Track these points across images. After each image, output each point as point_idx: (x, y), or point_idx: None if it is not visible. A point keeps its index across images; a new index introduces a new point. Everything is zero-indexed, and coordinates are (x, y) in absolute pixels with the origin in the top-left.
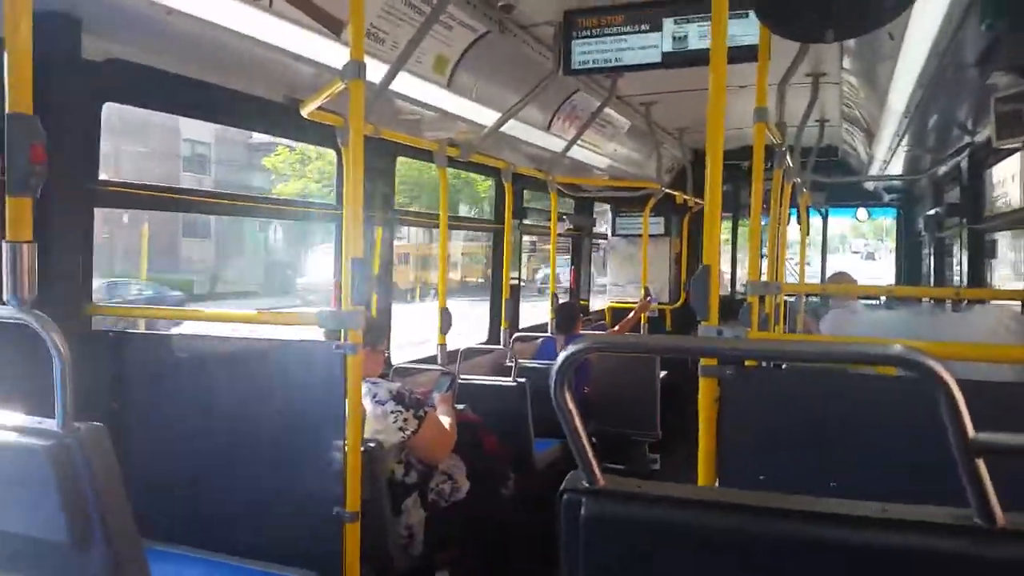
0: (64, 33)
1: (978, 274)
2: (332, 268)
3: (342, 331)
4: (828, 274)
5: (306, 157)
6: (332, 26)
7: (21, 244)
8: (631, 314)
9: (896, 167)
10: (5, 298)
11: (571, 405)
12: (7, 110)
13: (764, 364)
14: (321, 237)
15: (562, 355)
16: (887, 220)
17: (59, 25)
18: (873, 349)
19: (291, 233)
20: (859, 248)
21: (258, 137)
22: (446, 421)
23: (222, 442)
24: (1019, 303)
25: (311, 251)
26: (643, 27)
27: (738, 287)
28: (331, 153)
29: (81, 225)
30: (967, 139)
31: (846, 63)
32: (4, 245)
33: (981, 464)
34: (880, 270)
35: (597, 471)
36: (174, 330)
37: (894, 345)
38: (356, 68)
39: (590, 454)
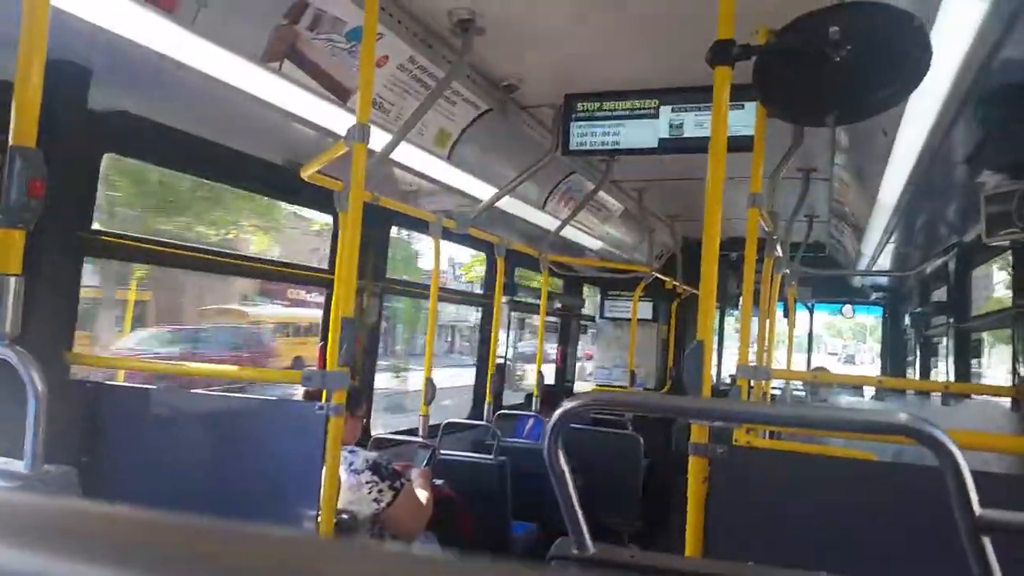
0: (73, 82)
1: (965, 371)
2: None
3: (324, 393)
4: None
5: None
6: (339, 93)
7: (9, 277)
8: None
9: (883, 264)
10: None
11: (564, 465)
12: (11, 142)
13: (753, 445)
14: None
15: (558, 410)
16: (869, 319)
17: (69, 73)
18: (879, 417)
19: None
20: (836, 349)
21: None
22: (423, 495)
23: (194, 501)
24: (1008, 399)
25: None
26: (641, 113)
27: (724, 377)
28: None
29: (69, 272)
30: (955, 238)
31: (838, 159)
32: None
33: (987, 543)
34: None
35: (588, 538)
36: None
37: (900, 414)
38: (361, 132)
39: (581, 519)
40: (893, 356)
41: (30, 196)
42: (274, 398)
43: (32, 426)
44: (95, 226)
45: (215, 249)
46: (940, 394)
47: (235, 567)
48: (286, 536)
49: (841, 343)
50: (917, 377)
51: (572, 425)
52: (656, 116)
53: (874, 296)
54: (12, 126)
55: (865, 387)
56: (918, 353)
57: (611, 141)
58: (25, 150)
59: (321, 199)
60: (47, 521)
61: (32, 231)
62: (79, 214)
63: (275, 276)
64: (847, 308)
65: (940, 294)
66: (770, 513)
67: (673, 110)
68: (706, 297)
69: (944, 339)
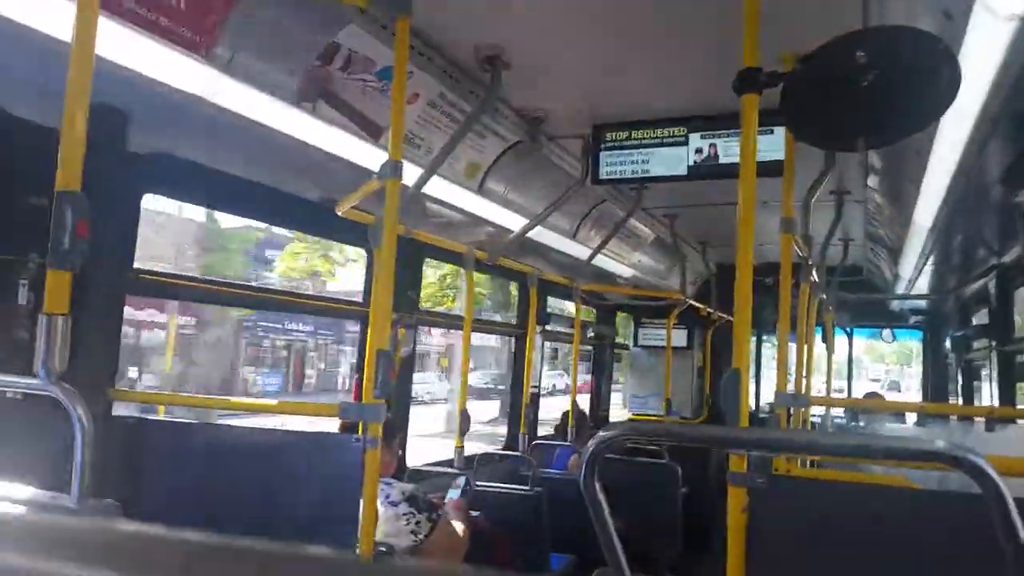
0: (112, 125)
1: (1010, 395)
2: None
3: (361, 425)
4: (854, 396)
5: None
6: (371, 130)
7: (57, 317)
8: None
9: (922, 287)
10: (35, 369)
11: (600, 496)
12: (57, 187)
13: (794, 475)
14: None
15: (594, 440)
16: (914, 343)
17: (107, 117)
18: (919, 445)
19: None
20: (878, 375)
21: None
22: (459, 527)
23: (233, 535)
24: None
25: None
26: (669, 141)
27: (762, 404)
28: None
29: (113, 310)
30: (995, 259)
31: (871, 181)
32: (41, 317)
33: None
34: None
35: (626, 569)
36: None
37: (938, 441)
38: (394, 168)
39: (619, 550)
40: (935, 381)
41: (77, 238)
42: (312, 431)
43: (78, 461)
44: (136, 265)
45: (253, 285)
46: (984, 419)
47: None
48: (326, 556)
49: (884, 368)
50: (960, 402)
51: (608, 455)
52: (685, 143)
53: (913, 319)
54: (59, 171)
55: (908, 413)
56: (960, 377)
57: (640, 169)
58: (71, 194)
59: (356, 234)
60: (94, 540)
61: (78, 272)
62: (121, 254)
63: (311, 310)
64: (886, 332)
65: (981, 316)
66: (812, 543)
67: (702, 137)
68: (741, 324)
69: (987, 363)
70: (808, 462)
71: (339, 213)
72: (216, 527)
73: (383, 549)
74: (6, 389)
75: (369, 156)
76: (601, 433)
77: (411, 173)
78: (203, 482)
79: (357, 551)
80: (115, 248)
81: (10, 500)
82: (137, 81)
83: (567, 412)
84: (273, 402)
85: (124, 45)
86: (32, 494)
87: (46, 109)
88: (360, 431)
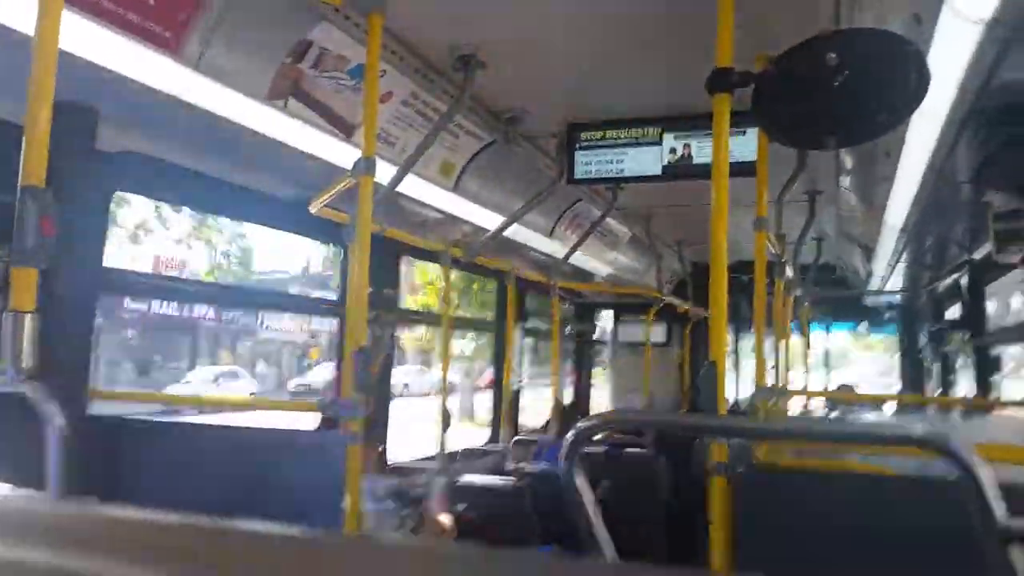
0: (80, 122)
1: (985, 386)
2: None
3: (342, 422)
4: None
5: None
6: (344, 128)
7: (23, 314)
8: None
9: (895, 284)
10: (4, 368)
11: (581, 485)
12: (21, 183)
13: (774, 464)
14: None
15: (574, 430)
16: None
17: (76, 115)
18: (897, 430)
19: None
20: (867, 367)
21: None
22: (444, 521)
23: None
24: None
25: None
26: (643, 141)
27: (741, 401)
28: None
29: (84, 310)
30: (966, 256)
31: (843, 181)
32: (6, 315)
33: (1016, 553)
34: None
35: (608, 557)
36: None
37: (916, 426)
38: (367, 165)
39: (601, 541)
40: (910, 374)
41: (42, 235)
42: (291, 429)
43: (54, 460)
44: (107, 263)
45: (227, 284)
46: (960, 409)
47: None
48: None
49: (870, 356)
50: (936, 394)
51: (591, 450)
52: (659, 143)
53: (888, 315)
54: (22, 167)
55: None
56: (936, 370)
57: (615, 169)
58: (35, 190)
59: (329, 232)
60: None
61: (47, 269)
62: (92, 252)
63: (288, 307)
64: (862, 326)
65: (954, 311)
66: (793, 531)
67: (676, 137)
68: (717, 319)
69: (961, 355)
70: (789, 451)
71: (312, 211)
72: None
73: None
74: None
75: (343, 154)
76: (580, 424)
77: (386, 172)
78: (183, 481)
79: None
80: (86, 246)
81: None
82: (107, 78)
83: (563, 407)
84: (250, 398)
85: (93, 41)
86: (6, 494)
87: (13, 105)
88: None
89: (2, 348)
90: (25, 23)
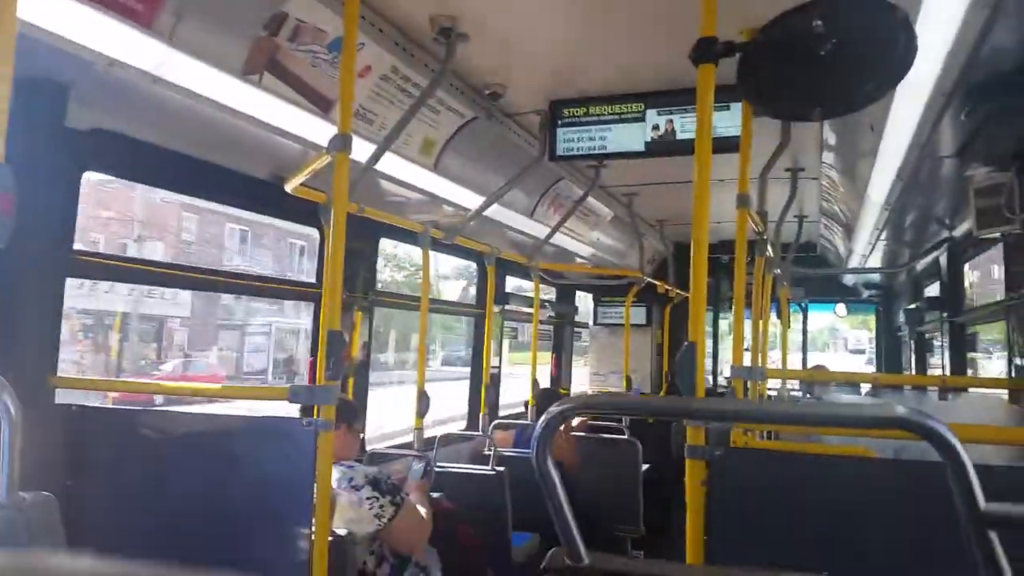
0: (49, 99)
1: (960, 365)
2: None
3: (315, 408)
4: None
5: None
6: (321, 104)
7: None
8: None
9: (874, 262)
10: None
11: (553, 472)
12: None
13: (751, 447)
14: None
15: (545, 415)
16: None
17: (45, 91)
18: (878, 412)
19: None
20: (862, 345)
21: None
22: (422, 510)
23: (181, 525)
24: (1005, 391)
25: None
26: (626, 117)
27: (720, 380)
28: None
29: (51, 294)
30: (945, 233)
31: (825, 158)
32: None
33: (995, 538)
34: None
35: (582, 548)
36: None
37: (897, 407)
38: (342, 141)
39: (574, 529)
40: (888, 353)
41: (1, 212)
42: (260, 415)
43: (6, 452)
44: (77, 246)
45: (200, 267)
46: (937, 389)
47: None
48: None
49: (868, 335)
50: (913, 373)
51: (571, 433)
52: (642, 119)
53: (867, 294)
54: None
55: (862, 384)
56: (913, 349)
57: (598, 146)
58: None
59: (306, 213)
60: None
61: (11, 251)
62: (61, 234)
63: (262, 292)
64: (840, 307)
65: (933, 289)
66: (771, 515)
67: (659, 113)
68: (697, 299)
69: (938, 334)
70: (766, 435)
71: (288, 190)
72: (163, 515)
73: (342, 534)
74: None
75: (319, 131)
76: (553, 407)
77: (364, 150)
78: (150, 470)
79: (312, 537)
80: (54, 228)
81: None
82: (78, 54)
83: (542, 390)
84: (218, 386)
85: (61, 14)
86: None
87: None
88: (315, 415)
89: None
90: None
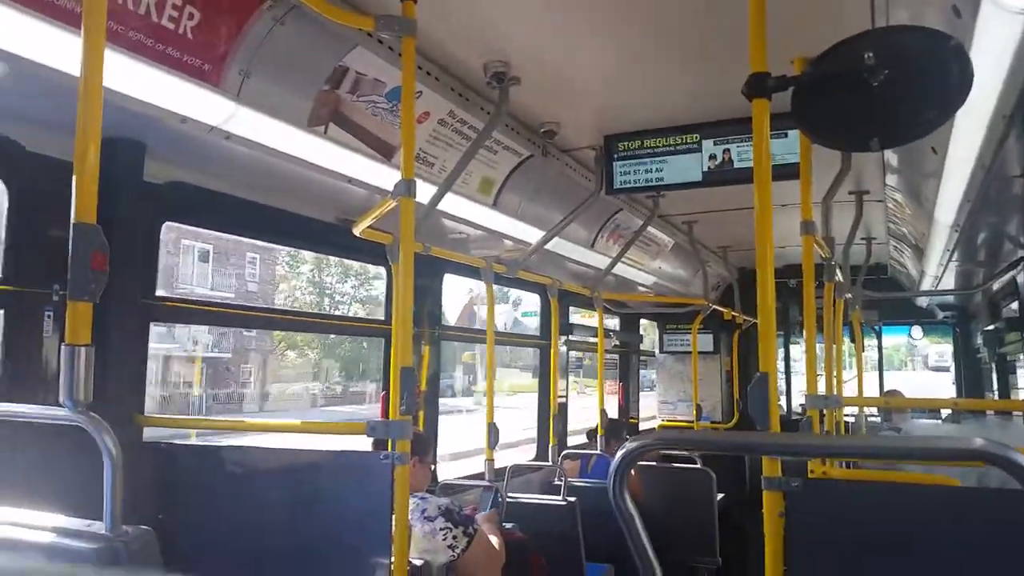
0: (129, 156)
1: None
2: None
3: (390, 442)
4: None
5: None
6: (383, 151)
7: (80, 348)
8: None
9: (948, 282)
10: (61, 400)
11: (630, 506)
12: (72, 220)
13: (829, 476)
14: None
15: (621, 451)
16: None
17: (124, 149)
18: (954, 444)
19: None
20: (944, 361)
21: None
22: (494, 540)
23: (268, 555)
24: None
25: None
26: (682, 148)
27: (794, 407)
28: None
29: (137, 337)
30: (1021, 252)
31: (889, 180)
32: (63, 348)
33: None
34: None
35: None
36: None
37: (976, 439)
38: (407, 186)
39: (652, 559)
40: (968, 375)
41: (94, 270)
42: (340, 450)
43: (109, 488)
44: (159, 292)
45: (273, 307)
46: (1022, 413)
47: None
48: None
49: (951, 350)
50: (995, 397)
51: (641, 463)
52: (699, 150)
53: (942, 315)
54: (73, 204)
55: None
56: (994, 372)
57: (655, 178)
58: (85, 227)
59: (375, 253)
60: None
61: (99, 302)
62: (143, 282)
63: (334, 330)
64: (916, 329)
65: (1011, 310)
66: (851, 546)
67: (715, 143)
68: (766, 327)
69: (1021, 355)
70: (844, 462)
71: (356, 233)
72: (250, 547)
73: (419, 564)
74: (35, 420)
75: (383, 176)
76: (628, 444)
77: (426, 191)
78: (236, 503)
79: (391, 568)
80: (137, 277)
81: (44, 528)
82: (152, 113)
83: (609, 419)
84: (298, 422)
85: (136, 78)
86: (66, 522)
87: (64, 144)
88: (389, 448)
89: (60, 381)
90: (70, 64)
